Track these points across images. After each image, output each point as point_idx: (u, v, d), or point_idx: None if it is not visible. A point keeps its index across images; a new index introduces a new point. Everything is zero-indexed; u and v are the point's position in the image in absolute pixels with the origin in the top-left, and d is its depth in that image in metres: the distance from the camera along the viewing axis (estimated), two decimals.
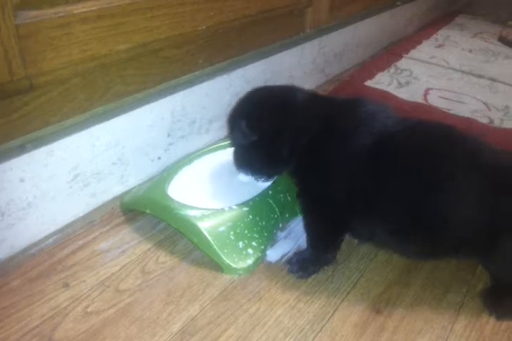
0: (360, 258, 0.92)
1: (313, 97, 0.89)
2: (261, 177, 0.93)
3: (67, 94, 0.85)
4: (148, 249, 0.91)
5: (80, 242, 0.91)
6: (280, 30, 1.33)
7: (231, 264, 0.86)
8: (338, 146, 0.81)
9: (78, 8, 0.79)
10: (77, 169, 0.92)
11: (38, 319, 0.76)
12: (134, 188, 1.04)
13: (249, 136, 0.86)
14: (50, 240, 0.91)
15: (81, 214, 0.97)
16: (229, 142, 1.09)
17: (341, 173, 0.80)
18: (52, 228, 0.92)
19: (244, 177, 0.96)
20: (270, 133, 0.85)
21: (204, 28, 1.03)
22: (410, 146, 0.78)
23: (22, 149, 0.82)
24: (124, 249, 0.90)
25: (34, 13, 0.74)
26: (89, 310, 0.78)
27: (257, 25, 1.21)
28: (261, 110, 0.87)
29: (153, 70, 0.99)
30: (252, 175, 0.93)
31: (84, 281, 0.83)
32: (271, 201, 0.95)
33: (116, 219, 0.97)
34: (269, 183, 0.98)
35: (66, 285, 0.82)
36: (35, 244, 0.89)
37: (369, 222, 0.81)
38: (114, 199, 1.02)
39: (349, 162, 0.79)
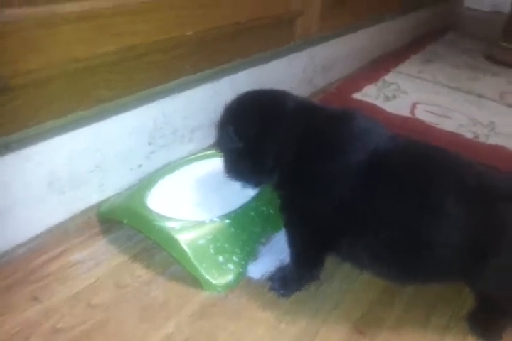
0: (343, 276, 0.89)
1: (304, 106, 0.86)
2: (248, 185, 0.90)
3: (47, 97, 0.82)
4: (124, 262, 0.87)
5: (53, 253, 0.87)
6: (270, 39, 1.31)
7: (210, 280, 0.82)
8: (327, 160, 0.78)
9: (61, 8, 0.76)
10: (53, 175, 0.88)
11: (3, 335, 0.72)
12: (111, 197, 1.00)
13: (236, 142, 0.84)
14: (21, 250, 0.86)
15: (55, 223, 0.93)
16: (212, 151, 1.07)
17: (327, 188, 0.77)
18: (25, 237, 0.88)
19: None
20: (255, 141, 0.83)
21: (192, 33, 1.01)
22: (400, 168, 0.76)
23: None
24: (99, 260, 0.86)
25: (14, 11, 0.71)
26: (59, 326, 0.74)
27: (246, 33, 1.19)
28: (248, 117, 0.84)
29: (137, 75, 0.96)
30: (239, 182, 0.90)
31: (55, 295, 0.79)
32: (253, 214, 0.93)
33: (92, 229, 0.93)
34: (253, 194, 0.95)
35: (36, 299, 0.78)
36: (4, 255, 0.85)
37: (353, 243, 0.79)
38: (91, 207, 0.98)
39: (336, 177, 0.77)
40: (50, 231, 0.91)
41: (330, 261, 0.85)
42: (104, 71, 0.89)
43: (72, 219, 0.95)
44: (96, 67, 0.87)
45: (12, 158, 0.80)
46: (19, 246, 0.87)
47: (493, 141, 1.44)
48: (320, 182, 0.78)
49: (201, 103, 1.15)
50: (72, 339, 0.72)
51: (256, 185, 0.91)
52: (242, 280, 0.86)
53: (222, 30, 1.10)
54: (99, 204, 0.98)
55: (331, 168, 0.77)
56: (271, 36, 1.31)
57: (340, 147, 0.78)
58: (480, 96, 1.77)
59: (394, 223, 0.74)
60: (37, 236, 0.89)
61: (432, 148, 0.81)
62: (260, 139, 0.82)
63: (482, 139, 1.45)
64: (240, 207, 0.92)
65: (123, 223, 0.91)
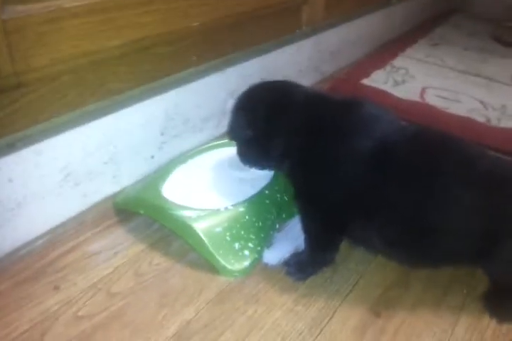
0: (359, 259, 0.89)
1: (312, 95, 0.87)
2: (258, 168, 0.92)
3: (58, 92, 0.83)
4: (142, 251, 0.88)
5: (71, 243, 0.88)
6: (275, 27, 1.31)
7: (227, 266, 0.84)
8: (336, 149, 0.79)
9: (68, 2, 0.77)
10: (68, 168, 0.89)
11: (27, 323, 0.73)
12: (126, 188, 1.01)
13: (246, 131, 0.86)
14: (40, 241, 0.88)
15: (72, 215, 0.94)
16: (225, 140, 1.08)
17: (337, 175, 0.78)
18: (43, 229, 0.90)
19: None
20: (264, 132, 0.85)
21: (197, 24, 1.01)
22: (411, 155, 0.77)
23: (10, 148, 0.79)
24: (117, 250, 0.88)
25: (22, 7, 0.72)
26: (80, 313, 0.76)
27: (251, 22, 1.19)
28: (258, 107, 0.86)
29: (145, 67, 0.97)
30: (250, 166, 0.92)
31: (75, 284, 0.81)
32: (267, 201, 0.93)
33: (108, 220, 0.95)
34: (266, 182, 0.96)
35: (56, 288, 0.80)
36: (24, 246, 0.86)
37: (365, 228, 0.80)
38: (107, 199, 0.99)
39: (345, 164, 0.78)
40: (68, 223, 0.93)
41: (345, 244, 0.86)
42: (112, 64, 0.89)
43: (89, 210, 0.96)
44: (104, 61, 0.87)
45: (27, 153, 0.81)
46: (38, 237, 0.89)
47: (505, 124, 1.43)
48: (329, 168, 0.79)
49: (211, 93, 1.16)
50: (94, 325, 0.74)
51: (268, 169, 0.92)
52: (258, 266, 0.87)
53: (227, 20, 1.10)
54: (114, 196, 0.99)
55: (339, 155, 0.79)
56: (277, 25, 1.31)
57: (349, 134, 0.79)
58: (490, 79, 1.76)
59: (403, 208, 0.75)
60: (55, 228, 0.91)
61: (442, 134, 0.81)
62: (268, 128, 0.84)
63: (494, 123, 1.44)
64: (255, 195, 0.93)
65: (139, 213, 0.92)
